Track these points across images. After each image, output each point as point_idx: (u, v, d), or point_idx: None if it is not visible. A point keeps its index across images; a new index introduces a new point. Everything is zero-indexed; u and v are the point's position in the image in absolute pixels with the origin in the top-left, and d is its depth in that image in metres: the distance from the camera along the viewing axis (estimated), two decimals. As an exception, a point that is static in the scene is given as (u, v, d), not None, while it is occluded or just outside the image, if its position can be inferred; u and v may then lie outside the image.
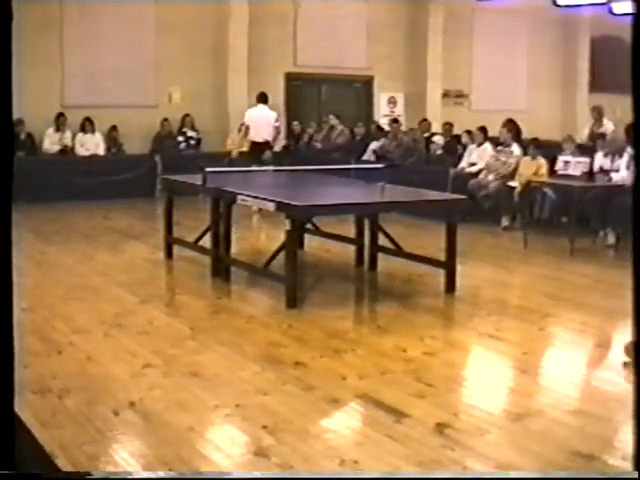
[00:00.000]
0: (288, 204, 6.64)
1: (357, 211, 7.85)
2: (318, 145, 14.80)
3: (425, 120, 14.87)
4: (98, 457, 3.80)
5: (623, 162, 9.68)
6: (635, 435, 2.54)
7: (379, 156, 13.19)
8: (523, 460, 3.80)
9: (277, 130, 12.77)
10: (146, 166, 13.64)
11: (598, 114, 13.80)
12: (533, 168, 10.63)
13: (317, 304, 6.71)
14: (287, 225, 6.68)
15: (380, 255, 8.09)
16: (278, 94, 15.84)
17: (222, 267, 7.52)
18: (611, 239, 9.49)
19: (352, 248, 8.38)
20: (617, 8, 15.87)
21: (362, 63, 16.77)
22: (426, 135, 14.19)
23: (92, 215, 11.71)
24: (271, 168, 9.43)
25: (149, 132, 14.43)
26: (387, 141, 13.79)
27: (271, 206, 6.86)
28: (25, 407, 3.96)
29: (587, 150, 10.81)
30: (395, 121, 14.48)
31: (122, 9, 14.15)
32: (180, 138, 14.67)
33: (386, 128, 14.82)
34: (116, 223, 11.26)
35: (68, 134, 13.71)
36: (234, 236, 7.68)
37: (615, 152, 9.90)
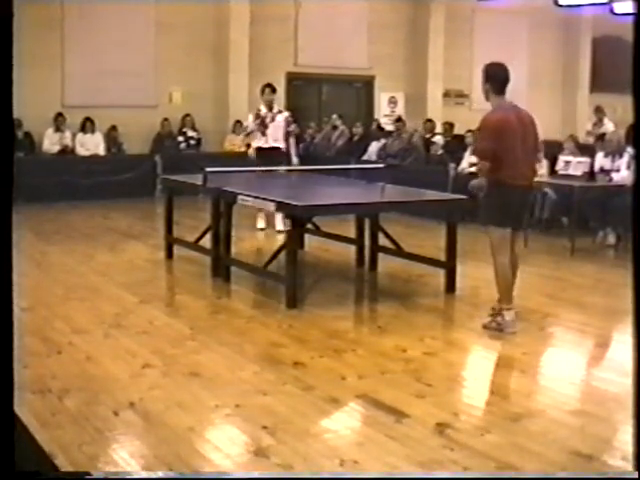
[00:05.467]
0: (288, 204, 6.64)
1: (357, 211, 7.85)
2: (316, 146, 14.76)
3: (430, 121, 14.86)
4: (98, 457, 3.79)
5: (623, 162, 9.68)
6: (635, 435, 2.54)
7: (383, 158, 13.13)
8: (523, 460, 3.80)
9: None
10: (146, 166, 13.64)
11: (601, 114, 13.85)
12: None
13: (317, 304, 6.71)
14: (287, 225, 6.68)
15: (380, 255, 8.09)
16: (279, 94, 15.80)
17: (222, 267, 7.52)
18: (611, 239, 9.50)
19: (352, 248, 8.38)
20: (618, 8, 15.87)
21: (363, 63, 16.77)
22: (427, 135, 14.21)
23: (92, 215, 11.71)
24: (271, 168, 9.35)
25: (149, 132, 14.43)
26: (390, 140, 13.78)
27: (271, 206, 6.86)
28: (25, 407, 3.97)
29: (588, 150, 10.81)
30: (399, 120, 14.46)
31: (122, 9, 14.16)
32: (180, 138, 14.67)
33: (387, 128, 14.82)
34: (116, 223, 11.26)
35: (68, 134, 13.71)
36: (234, 236, 7.67)
37: (615, 152, 9.90)
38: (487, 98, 6.08)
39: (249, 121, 10.48)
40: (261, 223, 10.21)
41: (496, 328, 5.93)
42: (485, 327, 5.99)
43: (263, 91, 10.34)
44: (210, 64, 15.21)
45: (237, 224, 7.83)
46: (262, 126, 10.18)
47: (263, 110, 10.25)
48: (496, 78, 6.08)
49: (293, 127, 10.36)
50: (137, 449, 3.96)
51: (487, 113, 6.02)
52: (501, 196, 5.89)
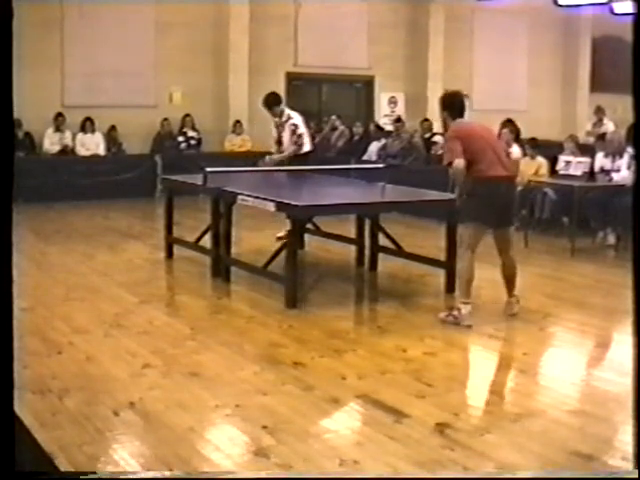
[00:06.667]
0: (288, 204, 6.64)
1: (358, 211, 7.85)
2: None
3: (426, 120, 14.88)
4: (98, 457, 3.79)
5: (624, 162, 9.67)
6: (635, 435, 2.54)
7: (383, 158, 13.10)
8: (523, 460, 3.80)
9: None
10: (146, 166, 13.63)
11: (601, 114, 13.86)
12: (533, 168, 10.63)
13: (317, 304, 6.71)
14: (287, 225, 6.68)
15: (380, 255, 8.09)
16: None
17: (222, 267, 7.52)
18: (611, 239, 9.49)
19: (352, 248, 8.38)
20: (618, 8, 15.87)
21: (363, 63, 16.77)
22: (427, 135, 14.20)
23: (92, 215, 11.71)
24: (271, 169, 9.30)
25: (149, 132, 14.42)
26: (390, 140, 13.77)
27: (271, 206, 6.86)
28: (25, 407, 3.97)
29: (588, 150, 10.81)
30: (398, 120, 14.46)
31: (122, 9, 14.15)
32: (180, 138, 14.66)
33: (387, 128, 14.82)
34: (116, 223, 11.26)
35: (68, 134, 13.71)
36: (234, 236, 7.67)
37: (615, 152, 9.90)
38: (446, 125, 6.39)
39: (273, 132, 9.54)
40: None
41: (453, 321, 6.10)
42: (442, 321, 6.16)
43: (264, 107, 9.35)
44: (210, 64, 15.20)
45: (237, 224, 7.83)
46: (278, 136, 9.34)
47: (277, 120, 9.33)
48: (452, 106, 6.33)
49: (295, 137, 9.13)
50: (137, 449, 3.96)
51: (449, 129, 6.31)
52: (485, 192, 6.07)
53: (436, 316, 6.24)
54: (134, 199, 12.83)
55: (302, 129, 9.28)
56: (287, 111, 9.36)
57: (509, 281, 6.40)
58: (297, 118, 9.32)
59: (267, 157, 9.41)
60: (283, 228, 9.32)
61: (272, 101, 9.31)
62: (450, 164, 6.07)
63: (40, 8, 13.00)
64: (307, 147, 9.29)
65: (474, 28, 17.96)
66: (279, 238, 9.08)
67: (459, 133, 6.13)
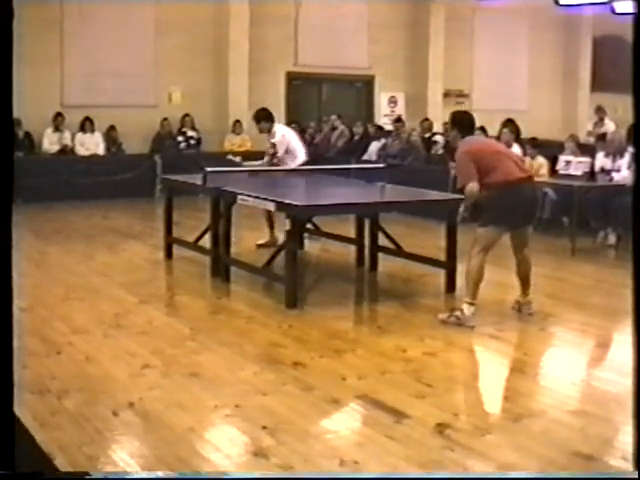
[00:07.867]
0: (288, 204, 6.64)
1: (357, 211, 7.84)
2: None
3: (427, 120, 14.88)
4: (97, 458, 3.78)
5: (624, 162, 9.66)
6: (635, 435, 2.53)
7: (383, 157, 13.08)
8: (523, 460, 3.79)
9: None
10: (146, 166, 13.63)
11: (602, 113, 13.84)
12: (534, 168, 10.62)
13: (317, 304, 6.70)
14: (287, 225, 6.67)
15: (380, 255, 8.08)
16: (279, 93, 15.85)
17: (222, 267, 7.51)
18: (612, 239, 9.49)
19: (352, 248, 8.38)
20: (619, 7, 15.85)
21: (363, 63, 16.77)
22: (427, 135, 14.20)
23: (92, 215, 11.71)
24: (270, 169, 9.28)
25: (149, 132, 14.43)
26: (390, 140, 13.76)
27: (271, 206, 6.86)
28: (24, 408, 3.95)
29: (588, 150, 10.80)
30: (398, 120, 14.45)
31: (122, 9, 14.16)
32: (180, 138, 14.66)
33: (387, 128, 14.81)
34: (116, 223, 11.25)
35: (67, 134, 13.71)
36: (234, 236, 7.66)
37: (616, 152, 9.89)
38: (455, 143, 6.41)
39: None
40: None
41: (455, 322, 6.06)
42: (443, 322, 6.11)
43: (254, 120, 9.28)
44: (210, 64, 15.20)
45: (237, 224, 7.82)
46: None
47: None
48: (462, 124, 6.36)
49: (268, 157, 9.06)
50: (137, 449, 3.95)
51: (458, 149, 6.27)
52: (509, 196, 6.06)
53: (436, 316, 6.22)
54: (133, 199, 12.83)
55: (282, 152, 8.93)
56: (274, 128, 9.07)
57: (525, 280, 6.41)
58: (280, 137, 8.98)
59: (245, 162, 9.48)
60: (265, 235, 9.25)
61: (260, 116, 9.11)
62: (464, 187, 6.06)
63: (40, 8, 12.99)
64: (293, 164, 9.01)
65: (475, 28, 17.97)
66: (260, 245, 8.97)
67: (470, 152, 6.08)
